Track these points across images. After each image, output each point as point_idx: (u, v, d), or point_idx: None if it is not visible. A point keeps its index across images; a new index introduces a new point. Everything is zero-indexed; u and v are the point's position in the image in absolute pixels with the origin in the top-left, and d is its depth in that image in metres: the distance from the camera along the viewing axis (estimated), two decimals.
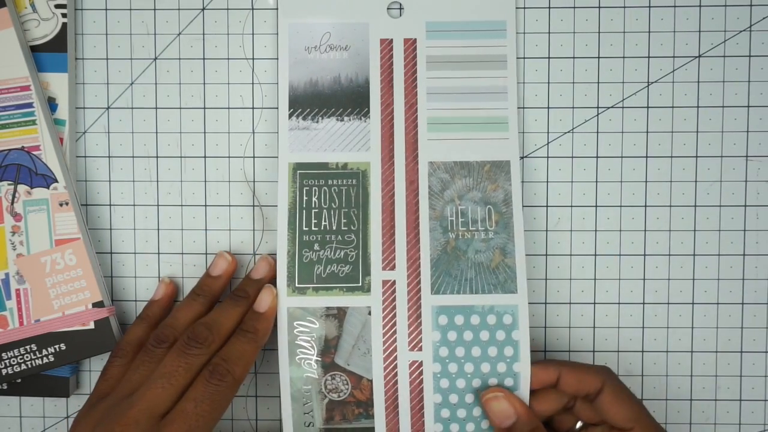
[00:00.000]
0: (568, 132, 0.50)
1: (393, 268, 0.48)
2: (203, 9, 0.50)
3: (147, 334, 0.47)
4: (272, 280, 0.48)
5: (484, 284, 0.48)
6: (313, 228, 0.48)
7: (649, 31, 0.49)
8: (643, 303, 0.50)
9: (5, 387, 0.49)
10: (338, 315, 0.48)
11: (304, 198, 0.48)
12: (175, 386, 0.42)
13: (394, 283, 0.48)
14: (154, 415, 0.41)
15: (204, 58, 0.50)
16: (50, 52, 0.49)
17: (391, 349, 0.48)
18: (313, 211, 0.48)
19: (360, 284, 0.48)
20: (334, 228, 0.49)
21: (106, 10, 0.50)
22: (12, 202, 0.48)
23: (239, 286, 0.48)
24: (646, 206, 0.49)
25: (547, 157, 0.50)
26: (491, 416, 0.46)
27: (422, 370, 0.48)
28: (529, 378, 0.47)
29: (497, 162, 0.48)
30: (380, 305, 0.48)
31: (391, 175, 0.49)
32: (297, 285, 0.48)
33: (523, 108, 0.49)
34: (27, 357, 0.48)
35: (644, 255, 0.50)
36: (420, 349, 0.48)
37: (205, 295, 0.48)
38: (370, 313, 0.48)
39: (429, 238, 0.48)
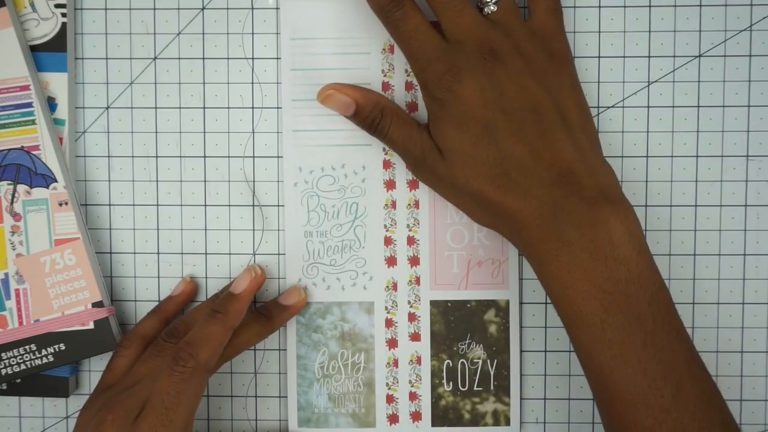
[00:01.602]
0: None
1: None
2: (203, 9, 0.49)
3: (157, 329, 0.47)
4: (300, 309, 0.49)
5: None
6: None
7: (649, 31, 0.49)
8: None
9: (5, 387, 0.49)
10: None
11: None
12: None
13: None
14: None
15: (204, 58, 0.50)
16: (50, 52, 0.48)
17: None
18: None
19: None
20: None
21: (105, 9, 0.50)
22: (11, 202, 0.48)
23: (265, 306, 0.48)
24: (646, 206, 0.49)
25: None
26: (336, 110, 0.46)
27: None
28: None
29: None
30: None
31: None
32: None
33: None
34: (27, 357, 0.48)
35: None
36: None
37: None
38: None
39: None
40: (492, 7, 0.44)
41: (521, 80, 0.42)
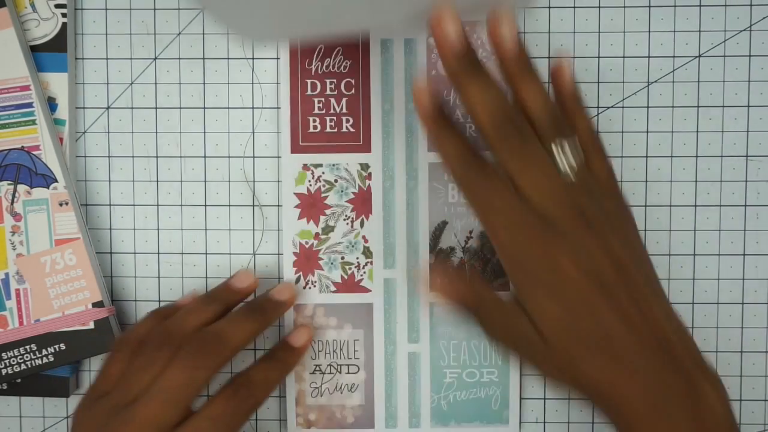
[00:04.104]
0: None
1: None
2: (203, 9, 0.50)
3: None
4: (292, 305, 0.48)
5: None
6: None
7: (649, 31, 0.49)
8: None
9: (5, 387, 0.49)
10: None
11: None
12: (177, 402, 0.40)
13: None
14: None
15: (204, 58, 0.50)
16: (50, 52, 0.49)
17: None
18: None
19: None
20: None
21: (106, 10, 0.50)
22: (12, 202, 0.48)
23: (256, 300, 0.46)
24: (646, 206, 0.49)
25: None
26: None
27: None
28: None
29: None
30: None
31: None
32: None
33: None
34: (27, 357, 0.48)
35: None
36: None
37: (219, 302, 0.45)
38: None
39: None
40: (570, 160, 0.39)
41: (608, 244, 0.38)
